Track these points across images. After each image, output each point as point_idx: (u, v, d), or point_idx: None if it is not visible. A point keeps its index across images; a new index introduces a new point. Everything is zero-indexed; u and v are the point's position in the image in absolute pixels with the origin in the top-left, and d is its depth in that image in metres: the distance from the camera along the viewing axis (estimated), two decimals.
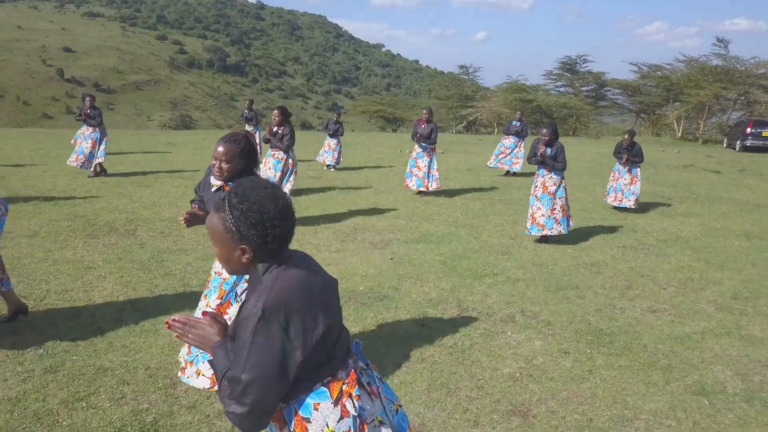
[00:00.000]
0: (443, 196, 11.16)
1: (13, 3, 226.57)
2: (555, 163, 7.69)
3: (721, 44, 34.04)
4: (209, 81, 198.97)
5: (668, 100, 35.80)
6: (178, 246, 6.87)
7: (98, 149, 11.13)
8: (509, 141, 14.07)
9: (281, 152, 8.52)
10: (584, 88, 45.66)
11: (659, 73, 36.54)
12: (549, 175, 7.83)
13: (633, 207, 10.34)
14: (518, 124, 13.96)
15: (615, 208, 10.52)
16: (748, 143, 24.88)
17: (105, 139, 11.30)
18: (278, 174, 8.46)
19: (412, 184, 10.90)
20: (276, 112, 8.38)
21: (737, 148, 25.49)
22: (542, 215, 7.81)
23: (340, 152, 14.23)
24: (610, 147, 27.26)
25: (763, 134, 26.22)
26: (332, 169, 14.02)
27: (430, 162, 10.86)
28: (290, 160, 8.59)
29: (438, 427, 3.49)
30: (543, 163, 7.75)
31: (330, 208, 9.52)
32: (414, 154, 10.94)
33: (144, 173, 11.97)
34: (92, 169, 11.16)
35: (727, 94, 31.67)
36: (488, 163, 14.59)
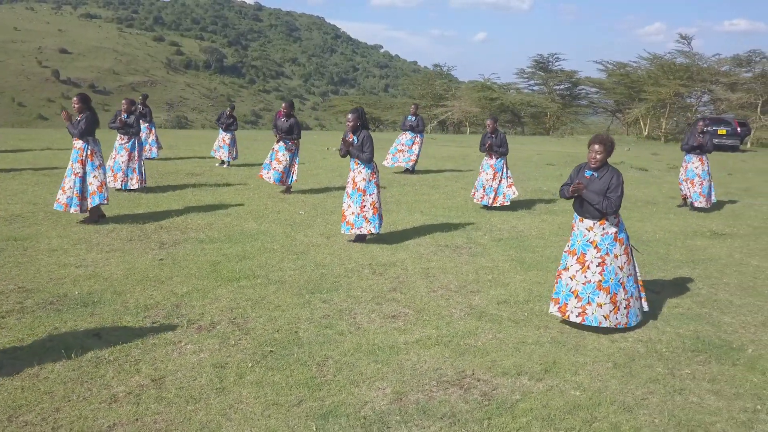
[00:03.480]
0: (311, 193, 10.59)
1: (10, 4, 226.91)
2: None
3: (685, 41, 33.33)
4: (206, 82, 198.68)
5: (631, 98, 35.16)
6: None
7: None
8: (405, 137, 13.48)
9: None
10: (558, 87, 45.01)
11: (621, 71, 35.88)
12: (358, 170, 7.22)
13: (506, 204, 9.77)
14: (413, 119, 13.36)
15: (485, 207, 9.90)
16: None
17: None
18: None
19: (269, 176, 10.30)
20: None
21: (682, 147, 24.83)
22: (352, 213, 7.21)
23: (235, 147, 13.69)
24: (568, 146, 26.69)
25: (719, 132, 25.59)
26: (225, 166, 13.46)
27: (292, 157, 10.30)
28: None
29: None
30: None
31: (171, 204, 8.95)
32: (276, 147, 10.36)
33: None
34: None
35: (687, 92, 30.97)
36: (384, 162, 13.98)
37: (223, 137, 13.55)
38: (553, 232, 8.47)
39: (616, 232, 4.85)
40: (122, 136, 9.76)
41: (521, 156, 20.08)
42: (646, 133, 33.83)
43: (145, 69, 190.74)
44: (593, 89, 44.15)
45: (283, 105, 10.42)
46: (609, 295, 4.75)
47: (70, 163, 7.50)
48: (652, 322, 5.08)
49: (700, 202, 10.45)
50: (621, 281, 4.81)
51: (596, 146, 4.78)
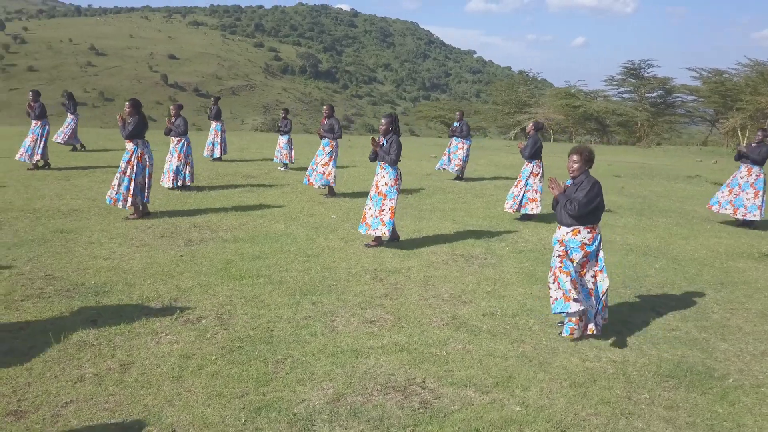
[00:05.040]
0: (351, 197, 10.87)
1: (128, 14, 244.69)
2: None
3: None
4: (301, 87, 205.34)
5: (726, 107, 32.97)
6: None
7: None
8: (452, 144, 13.49)
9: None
10: (650, 95, 42.99)
11: (717, 78, 33.72)
12: (382, 175, 7.42)
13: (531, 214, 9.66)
14: (458, 125, 13.34)
15: (523, 216, 9.79)
16: None
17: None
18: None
19: (315, 182, 10.68)
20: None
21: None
22: (371, 215, 7.42)
23: (291, 150, 14.20)
24: (649, 157, 25.51)
25: None
26: (283, 169, 14.02)
27: (329, 158, 10.62)
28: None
29: None
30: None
31: (214, 203, 9.51)
32: (317, 151, 10.73)
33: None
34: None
35: None
36: (436, 167, 14.05)
37: (280, 141, 14.12)
38: None
39: (585, 244, 4.81)
40: (173, 138, 10.46)
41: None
42: (744, 144, 31.63)
43: (245, 74, 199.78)
44: (690, 97, 41.87)
45: (325, 108, 10.78)
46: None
47: (121, 162, 8.19)
48: (638, 344, 4.93)
49: (754, 215, 9.85)
50: (555, 273, 4.89)
51: (573, 156, 4.89)
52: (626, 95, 44.10)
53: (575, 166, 4.88)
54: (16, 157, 12.10)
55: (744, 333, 5.32)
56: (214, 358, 4.28)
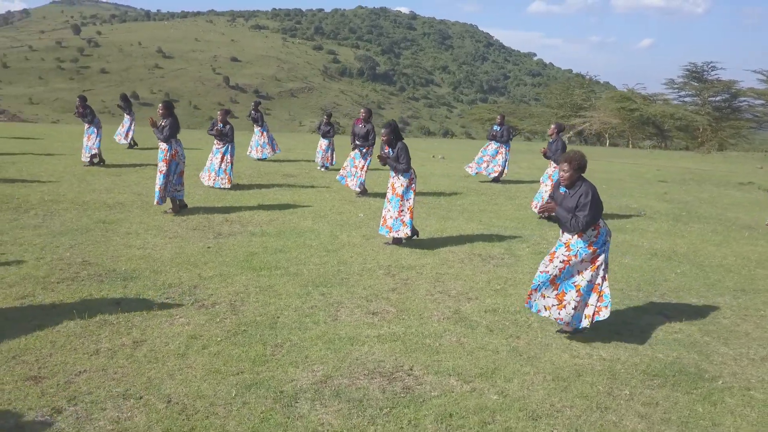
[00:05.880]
0: (383, 197, 11.11)
1: (194, 18, 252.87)
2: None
3: None
4: (359, 89, 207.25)
5: None
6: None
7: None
8: (491, 147, 13.52)
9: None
10: (713, 98, 41.45)
11: None
12: (396, 176, 7.64)
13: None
14: (498, 129, 13.36)
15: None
16: None
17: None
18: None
19: (353, 184, 10.99)
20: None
21: None
22: (391, 217, 7.65)
23: (332, 153, 14.58)
24: (705, 164, 24.66)
25: None
26: (323, 170, 14.41)
27: (364, 161, 10.90)
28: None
29: None
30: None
31: (250, 200, 9.96)
32: (353, 154, 11.04)
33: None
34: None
35: None
36: (467, 169, 14.07)
37: (321, 143, 14.52)
38: None
39: (592, 242, 4.86)
40: (218, 141, 10.96)
41: (635, 171, 19.08)
42: None
43: (303, 76, 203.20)
44: (758, 101, 40.16)
45: (362, 111, 11.08)
46: (557, 293, 4.89)
47: (158, 161, 8.72)
48: (636, 345, 4.97)
49: None
50: (576, 284, 4.86)
51: (564, 165, 4.86)
52: (688, 99, 42.71)
53: (566, 174, 4.82)
54: (82, 159, 12.97)
55: (750, 338, 5.27)
56: (218, 339, 4.62)
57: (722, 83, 40.08)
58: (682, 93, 42.58)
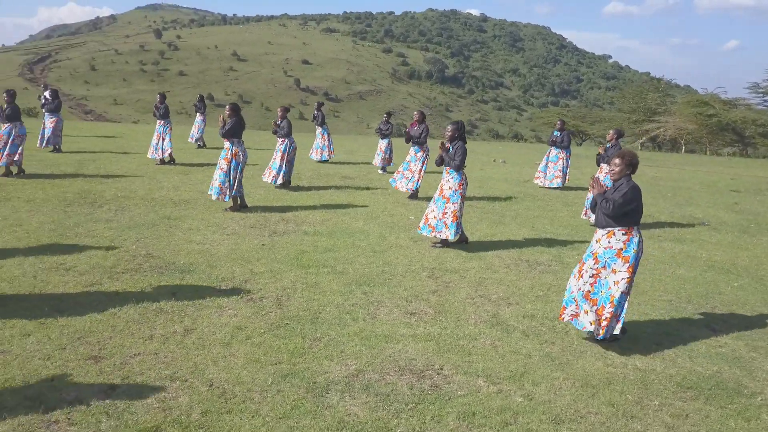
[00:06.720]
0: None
1: (267, 22, 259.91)
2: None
3: None
4: (426, 92, 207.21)
5: None
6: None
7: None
8: (551, 154, 13.37)
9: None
10: None
11: None
12: (447, 179, 7.76)
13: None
14: (558, 135, 13.18)
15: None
16: None
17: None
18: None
19: (402, 186, 11.18)
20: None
21: None
22: (434, 217, 7.78)
23: (391, 154, 14.79)
24: None
25: None
26: (382, 172, 14.65)
27: (420, 164, 11.06)
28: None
29: None
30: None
31: (306, 200, 10.32)
32: (408, 157, 11.22)
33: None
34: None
35: None
36: (536, 181, 13.89)
37: (381, 145, 14.78)
38: (659, 259, 8.07)
39: (622, 249, 4.86)
40: (278, 139, 11.41)
41: (706, 179, 18.33)
42: None
43: (372, 79, 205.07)
44: None
45: (416, 114, 11.26)
46: (596, 307, 4.88)
47: (219, 159, 9.19)
48: (674, 356, 4.91)
49: None
50: (612, 296, 4.84)
51: (616, 159, 5.00)
52: None
53: (616, 169, 4.96)
54: (148, 155, 13.80)
55: None
56: (262, 331, 4.90)
57: None
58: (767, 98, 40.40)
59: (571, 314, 5.00)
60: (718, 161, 28.73)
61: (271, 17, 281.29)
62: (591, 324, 4.92)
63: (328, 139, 16.02)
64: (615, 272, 4.87)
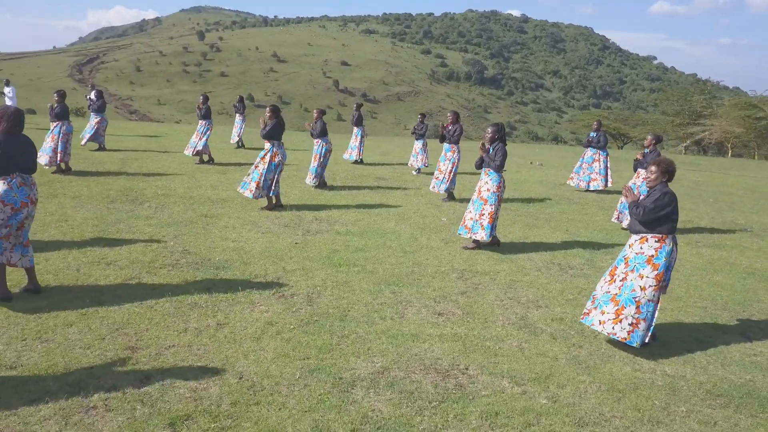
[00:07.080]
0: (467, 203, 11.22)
1: (308, 24, 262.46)
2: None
3: None
4: (465, 93, 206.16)
5: None
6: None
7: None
8: (587, 155, 13.20)
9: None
10: None
11: None
12: (485, 180, 7.78)
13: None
14: (594, 135, 13.00)
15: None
16: None
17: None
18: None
19: (432, 187, 11.21)
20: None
21: None
22: (471, 219, 7.81)
23: (426, 155, 14.81)
24: None
25: None
26: (416, 173, 14.70)
27: (452, 164, 11.08)
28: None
29: None
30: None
31: (340, 200, 10.45)
32: (439, 158, 11.26)
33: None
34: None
35: None
36: (569, 182, 13.74)
37: (416, 146, 14.82)
38: (696, 265, 7.91)
39: (653, 256, 4.82)
40: (315, 141, 11.58)
41: (752, 185, 17.82)
42: None
43: (411, 80, 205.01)
44: None
45: (449, 114, 11.31)
46: (617, 307, 4.89)
47: (257, 158, 9.39)
48: (706, 364, 4.84)
49: None
50: (637, 300, 4.83)
51: (652, 167, 5.03)
52: None
53: (652, 176, 4.99)
54: (185, 152, 14.20)
55: None
56: (291, 327, 5.02)
57: None
58: None
59: (584, 312, 5.09)
60: (766, 166, 27.83)
61: (311, 19, 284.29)
62: (601, 323, 4.94)
63: (360, 141, 16.12)
64: (642, 277, 4.84)
